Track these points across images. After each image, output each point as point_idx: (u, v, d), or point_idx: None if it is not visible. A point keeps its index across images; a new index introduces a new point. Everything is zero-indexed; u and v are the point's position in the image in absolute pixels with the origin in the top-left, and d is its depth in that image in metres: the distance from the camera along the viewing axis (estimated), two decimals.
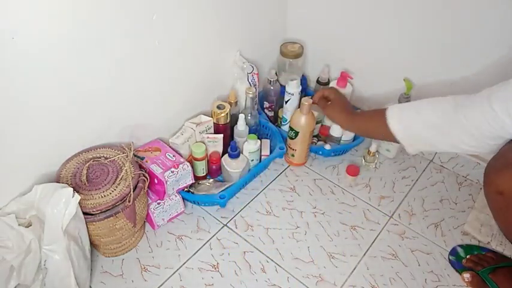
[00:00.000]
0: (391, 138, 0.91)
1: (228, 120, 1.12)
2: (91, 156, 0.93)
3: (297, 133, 1.14)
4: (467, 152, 0.82)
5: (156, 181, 0.97)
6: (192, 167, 1.05)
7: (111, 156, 0.93)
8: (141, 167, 0.96)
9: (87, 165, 0.89)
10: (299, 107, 1.16)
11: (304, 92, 1.34)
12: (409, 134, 0.89)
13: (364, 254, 1.02)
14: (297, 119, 1.13)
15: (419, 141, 0.88)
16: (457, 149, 0.83)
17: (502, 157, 0.77)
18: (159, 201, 1.00)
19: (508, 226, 0.81)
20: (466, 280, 0.95)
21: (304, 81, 1.32)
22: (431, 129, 0.84)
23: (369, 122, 1.00)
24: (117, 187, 0.87)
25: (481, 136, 0.76)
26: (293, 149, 1.19)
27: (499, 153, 0.79)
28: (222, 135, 1.11)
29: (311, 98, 1.11)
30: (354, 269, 0.99)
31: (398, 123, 0.89)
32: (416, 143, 0.89)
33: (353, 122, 1.04)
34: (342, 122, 1.07)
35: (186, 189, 1.06)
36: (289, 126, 1.16)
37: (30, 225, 0.84)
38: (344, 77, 1.22)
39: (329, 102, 1.10)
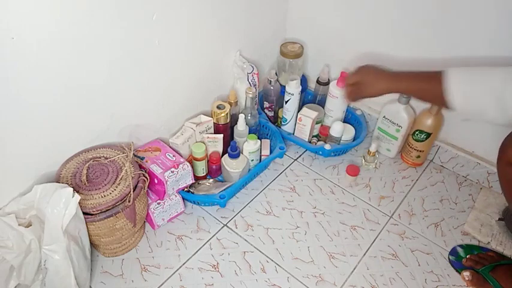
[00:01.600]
0: (441, 101, 0.83)
1: (228, 120, 1.12)
2: (91, 156, 0.93)
3: (428, 135, 1.14)
4: None
5: (156, 181, 0.97)
6: (192, 167, 1.05)
7: (111, 156, 0.93)
8: (141, 167, 0.96)
9: (87, 165, 0.89)
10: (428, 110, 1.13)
11: (304, 92, 1.34)
12: (468, 101, 0.81)
13: (364, 254, 1.02)
14: (427, 120, 1.13)
15: (479, 107, 0.80)
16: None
17: None
18: (159, 201, 1.00)
19: None
20: (466, 279, 0.95)
21: (304, 81, 1.32)
22: (495, 97, 0.77)
23: (420, 82, 0.89)
24: (117, 187, 0.87)
25: None
26: (420, 151, 1.19)
27: None
28: (222, 135, 1.11)
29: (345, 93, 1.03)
30: (354, 269, 0.99)
31: (457, 87, 0.81)
32: (474, 108, 0.81)
33: (399, 83, 0.93)
34: (387, 88, 0.94)
35: (186, 189, 1.07)
36: (417, 130, 1.16)
37: (30, 225, 0.84)
38: (344, 77, 1.21)
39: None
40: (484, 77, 0.79)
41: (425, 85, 0.87)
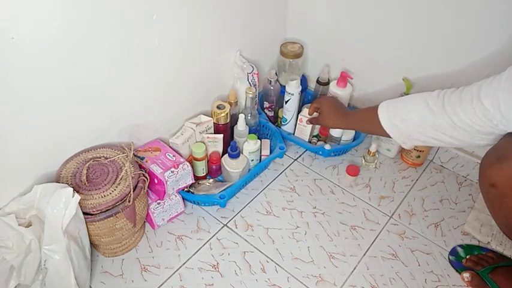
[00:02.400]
0: (386, 134, 0.91)
1: (228, 120, 1.12)
2: (91, 156, 0.93)
3: None
4: (463, 146, 0.82)
5: (156, 181, 0.97)
6: (192, 167, 1.05)
7: (111, 156, 0.93)
8: (141, 167, 0.96)
9: (87, 165, 0.89)
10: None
11: (304, 92, 1.34)
12: (400, 132, 0.89)
13: (364, 254, 1.02)
14: None
15: (412, 139, 0.89)
16: (451, 144, 0.84)
17: (495, 151, 0.78)
18: (159, 201, 1.00)
19: (501, 218, 0.82)
20: (466, 280, 0.95)
21: (304, 81, 1.32)
22: (422, 128, 0.84)
23: (363, 120, 1.00)
24: (117, 187, 0.87)
25: (473, 131, 0.77)
26: (420, 151, 1.20)
27: (493, 147, 0.79)
28: (222, 135, 1.11)
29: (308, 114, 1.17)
30: (354, 269, 0.99)
31: (388, 121, 0.90)
32: (409, 140, 0.89)
33: (346, 121, 1.06)
34: (336, 124, 1.10)
35: (186, 189, 1.07)
36: None
37: (30, 225, 0.84)
38: (344, 77, 1.22)
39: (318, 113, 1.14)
40: (405, 108, 0.88)
41: (366, 122, 0.98)
